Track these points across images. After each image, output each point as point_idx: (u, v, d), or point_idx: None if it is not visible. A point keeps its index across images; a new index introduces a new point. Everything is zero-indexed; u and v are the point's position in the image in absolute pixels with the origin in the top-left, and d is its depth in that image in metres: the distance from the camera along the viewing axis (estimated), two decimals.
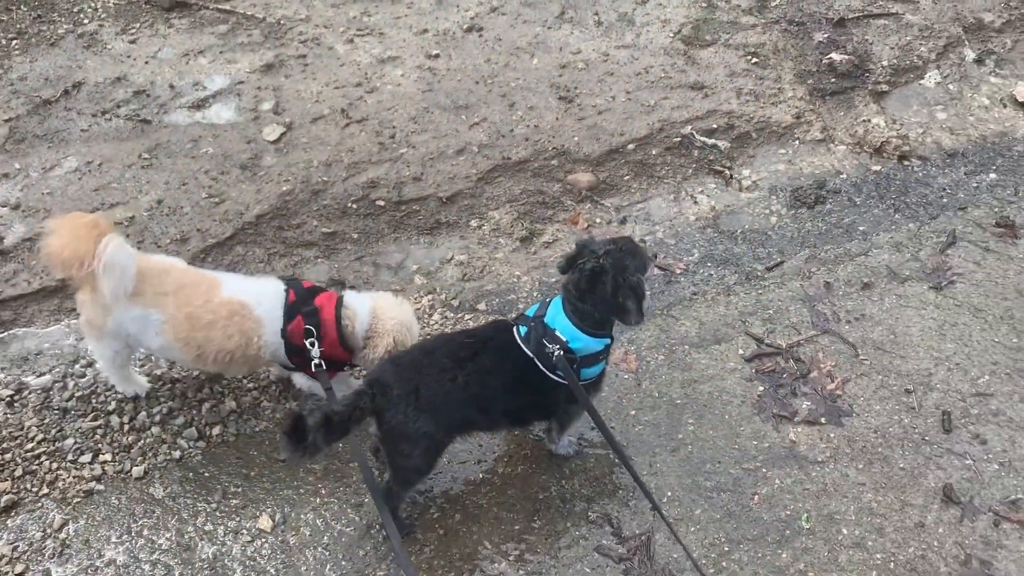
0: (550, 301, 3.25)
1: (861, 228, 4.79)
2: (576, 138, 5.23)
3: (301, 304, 3.35)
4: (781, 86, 5.82)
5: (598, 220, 4.87)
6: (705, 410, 3.77)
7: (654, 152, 5.25)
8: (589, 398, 3.24)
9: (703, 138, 5.32)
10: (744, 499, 3.43)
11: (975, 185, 5.10)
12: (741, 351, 4.02)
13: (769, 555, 3.26)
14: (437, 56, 5.91)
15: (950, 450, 3.60)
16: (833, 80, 5.94)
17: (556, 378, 3.16)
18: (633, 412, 3.76)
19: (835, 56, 6.04)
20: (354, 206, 4.71)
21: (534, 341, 3.15)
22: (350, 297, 3.51)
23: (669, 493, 3.46)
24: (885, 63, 6.11)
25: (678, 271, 4.51)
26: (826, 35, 6.34)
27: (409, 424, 3.00)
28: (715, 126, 5.42)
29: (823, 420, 3.73)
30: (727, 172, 5.18)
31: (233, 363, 3.39)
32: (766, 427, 3.70)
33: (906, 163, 5.31)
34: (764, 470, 3.54)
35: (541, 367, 3.15)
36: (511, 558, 3.26)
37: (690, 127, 5.38)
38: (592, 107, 5.47)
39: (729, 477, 3.51)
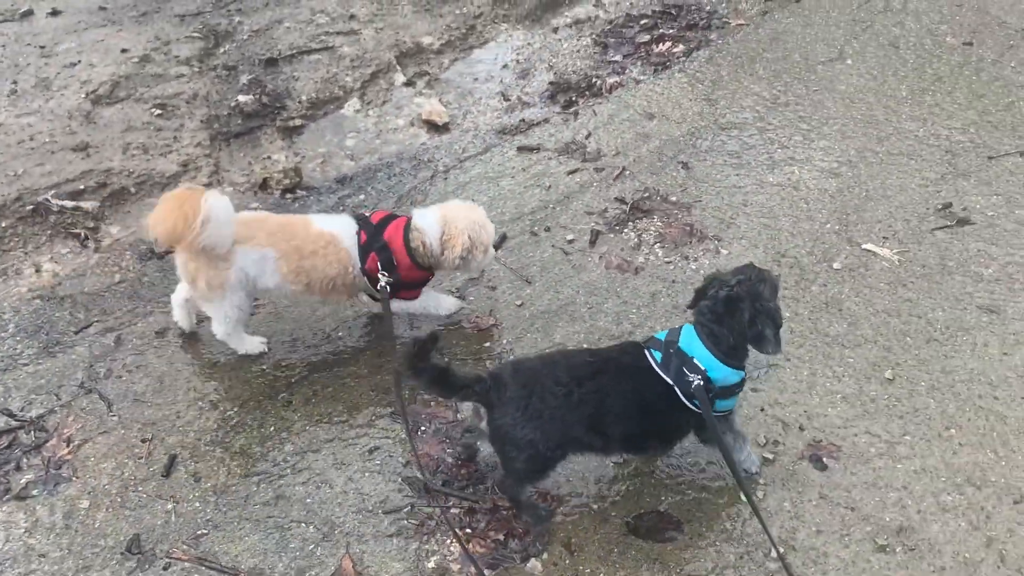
0: (681, 328, 3.16)
1: None
2: None
3: (372, 242, 3.72)
4: (180, 135, 5.68)
5: None
6: None
7: (3, 224, 4.92)
8: (721, 430, 3.16)
9: (62, 202, 5.04)
10: None
11: (342, 208, 5.15)
12: None
13: None
14: None
15: (159, 496, 3.45)
16: (240, 122, 5.88)
17: (693, 407, 3.08)
18: None
19: (241, 98, 6.00)
20: None
21: (674, 368, 3.07)
22: (417, 216, 3.82)
23: None
24: (304, 98, 6.14)
25: None
26: (252, 76, 6.33)
27: (516, 429, 3.01)
28: (82, 187, 5.18)
29: (35, 492, 3.47)
30: (83, 234, 4.93)
31: (335, 290, 3.82)
32: None
33: (289, 195, 5.30)
34: None
35: (680, 395, 3.08)
36: None
37: (52, 192, 5.11)
38: None
39: None
